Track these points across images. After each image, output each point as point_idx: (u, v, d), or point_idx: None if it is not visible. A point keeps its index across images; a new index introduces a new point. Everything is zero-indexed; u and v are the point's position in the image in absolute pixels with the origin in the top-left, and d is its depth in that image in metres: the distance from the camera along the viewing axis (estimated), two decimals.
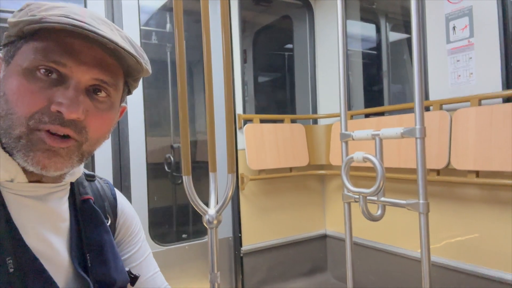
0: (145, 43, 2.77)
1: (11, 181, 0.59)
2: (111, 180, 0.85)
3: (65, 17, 0.54)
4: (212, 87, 0.79)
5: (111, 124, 0.66)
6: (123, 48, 0.57)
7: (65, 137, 0.57)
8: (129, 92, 0.72)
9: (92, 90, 0.60)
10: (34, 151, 0.56)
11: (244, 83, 2.71)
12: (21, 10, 0.58)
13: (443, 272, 2.06)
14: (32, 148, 0.56)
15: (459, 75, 2.00)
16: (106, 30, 0.57)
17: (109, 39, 0.55)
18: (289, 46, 3.52)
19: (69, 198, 0.69)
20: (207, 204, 0.76)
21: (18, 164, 0.58)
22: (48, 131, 0.56)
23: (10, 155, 0.58)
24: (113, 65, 0.61)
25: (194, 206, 0.76)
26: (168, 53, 2.97)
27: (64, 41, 0.56)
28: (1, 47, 0.61)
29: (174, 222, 3.03)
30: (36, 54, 0.55)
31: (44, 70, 0.56)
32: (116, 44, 0.56)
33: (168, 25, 2.97)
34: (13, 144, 0.56)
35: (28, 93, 0.55)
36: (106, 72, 0.60)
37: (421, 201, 1.44)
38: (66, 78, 0.57)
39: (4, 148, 0.58)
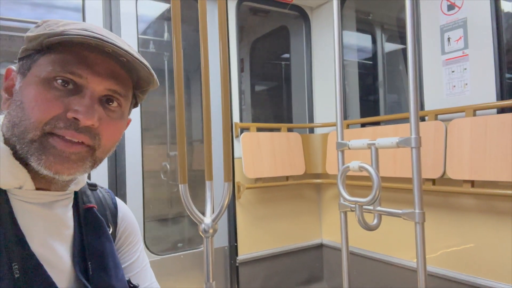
0: (143, 51, 2.78)
1: (20, 188, 0.60)
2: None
3: (84, 30, 0.58)
4: (210, 96, 0.79)
5: (121, 133, 0.68)
6: (138, 60, 0.61)
7: (78, 143, 0.59)
8: (136, 105, 0.74)
9: (105, 100, 0.63)
10: (47, 155, 0.58)
11: (241, 92, 2.71)
12: (38, 26, 0.62)
13: (440, 282, 2.05)
14: (45, 152, 0.58)
15: (454, 86, 2.02)
16: (121, 43, 0.61)
17: (127, 51, 0.60)
18: (286, 55, 3.54)
19: (73, 206, 0.70)
20: (203, 213, 0.76)
21: (31, 170, 0.60)
22: (62, 137, 0.58)
23: (24, 161, 0.59)
24: (125, 77, 0.65)
25: (190, 215, 0.75)
26: (166, 61, 2.98)
27: (80, 54, 0.60)
28: (16, 61, 0.64)
29: (169, 230, 3.00)
30: (54, 65, 0.58)
31: (61, 80, 0.58)
32: (132, 55, 0.60)
33: (166, 34, 2.99)
34: (27, 148, 0.58)
35: (45, 100, 0.58)
36: (118, 83, 0.64)
37: (416, 211, 1.45)
38: (82, 88, 0.60)
39: (18, 155, 0.60)
